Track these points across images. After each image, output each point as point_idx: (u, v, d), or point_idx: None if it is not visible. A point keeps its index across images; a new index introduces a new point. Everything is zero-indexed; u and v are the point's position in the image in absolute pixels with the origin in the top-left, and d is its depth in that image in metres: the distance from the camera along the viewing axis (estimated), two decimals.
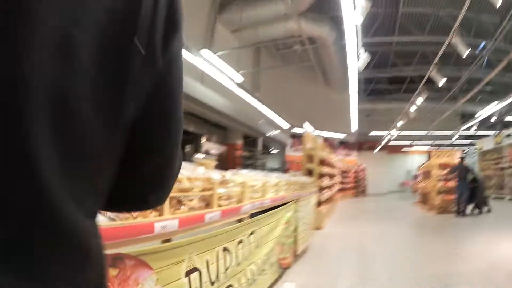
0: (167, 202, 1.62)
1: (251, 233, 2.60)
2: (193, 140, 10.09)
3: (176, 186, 1.77)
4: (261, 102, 10.35)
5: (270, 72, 13.19)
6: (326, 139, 13.04)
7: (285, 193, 3.81)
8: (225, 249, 2.18)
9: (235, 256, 2.30)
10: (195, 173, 1.98)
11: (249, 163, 10.63)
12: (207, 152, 9.81)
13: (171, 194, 1.68)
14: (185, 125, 9.12)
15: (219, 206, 2.08)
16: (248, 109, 10.32)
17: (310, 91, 15.48)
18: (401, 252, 5.11)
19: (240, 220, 2.40)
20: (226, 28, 10.06)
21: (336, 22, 10.03)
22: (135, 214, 1.52)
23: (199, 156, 2.67)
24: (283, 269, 3.50)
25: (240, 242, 2.39)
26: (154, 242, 1.65)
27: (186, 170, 1.97)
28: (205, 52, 6.90)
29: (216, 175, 2.14)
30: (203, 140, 10.40)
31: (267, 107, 10.87)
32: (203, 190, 1.92)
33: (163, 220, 1.57)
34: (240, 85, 8.67)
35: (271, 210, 3.19)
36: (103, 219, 1.52)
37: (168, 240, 1.76)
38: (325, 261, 4.60)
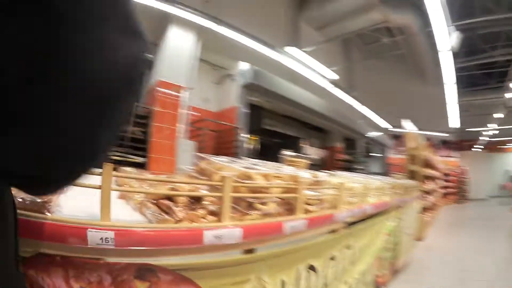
0: (226, 205, 0.95)
1: (347, 247, 1.77)
2: (293, 144, 9.30)
3: (244, 184, 1.09)
4: (358, 101, 8.99)
5: (362, 69, 11.55)
6: (428, 138, 10.84)
7: (388, 198, 2.81)
8: (310, 267, 1.42)
9: (322, 276, 1.52)
10: (277, 171, 1.28)
11: (350, 166, 9.36)
12: (306, 155, 8.96)
13: (234, 194, 1.01)
14: (284, 128, 8.45)
15: (306, 212, 1.32)
16: (345, 108, 9.08)
17: (405, 86, 13.11)
18: (503, 271, 3.88)
19: (333, 231, 1.59)
20: (309, 27, 8.99)
21: (418, 7, 8.00)
22: (177, 217, 0.89)
23: (288, 153, 1.95)
24: None
25: (332, 258, 1.59)
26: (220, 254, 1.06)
27: (264, 167, 1.28)
28: (291, 49, 6.06)
29: (306, 174, 1.39)
30: (304, 144, 9.51)
31: (365, 106, 9.41)
32: (285, 192, 1.20)
33: (219, 227, 0.90)
34: (335, 84, 7.56)
35: (366, 218, 2.28)
36: (141, 220, 0.95)
37: (250, 251, 1.15)
38: (425, 279, 3.46)
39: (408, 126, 7.82)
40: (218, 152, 5.91)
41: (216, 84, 6.51)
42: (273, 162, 1.60)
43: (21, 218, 0.81)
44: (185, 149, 4.67)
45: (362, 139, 10.53)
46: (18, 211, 0.90)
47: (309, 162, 1.97)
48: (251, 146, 7.10)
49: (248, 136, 6.45)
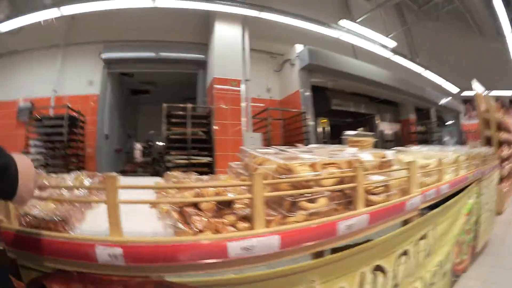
0: (259, 208, 0.64)
1: (422, 238, 1.34)
2: (366, 121, 8.32)
3: (283, 180, 0.77)
4: (422, 67, 7.65)
5: (420, 33, 9.73)
6: (497, 99, 9.00)
7: (466, 171, 2.19)
8: (377, 269, 1.05)
9: (392, 277, 1.14)
10: (331, 156, 0.92)
11: (425, 139, 8.14)
12: (381, 133, 7.95)
13: (268, 194, 0.70)
14: (354, 107, 7.62)
15: (370, 204, 0.94)
16: (411, 77, 7.85)
17: (466, 45, 10.80)
18: None
19: (405, 222, 1.18)
20: None
21: None
22: (196, 227, 0.62)
23: (350, 133, 1.53)
24: (456, 276, 2.02)
25: (404, 253, 1.19)
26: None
27: (317, 154, 0.93)
28: (344, 22, 5.20)
29: (368, 156, 1.00)
30: (377, 120, 8.45)
31: (429, 71, 7.98)
32: (340, 182, 0.84)
33: (249, 236, 0.60)
34: (396, 52, 6.46)
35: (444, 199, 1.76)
36: (159, 232, 0.72)
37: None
38: (508, 260, 2.69)
39: (476, 87, 6.40)
40: (287, 140, 5.56)
41: (277, 71, 6.09)
42: (334, 145, 1.23)
43: (37, 237, 0.75)
44: (252, 142, 4.39)
45: (433, 107, 9.08)
46: (35, 230, 0.78)
47: (376, 139, 1.53)
48: (321, 130, 6.57)
49: (317, 119, 5.95)
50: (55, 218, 0.81)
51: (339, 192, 0.93)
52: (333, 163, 0.93)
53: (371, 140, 1.50)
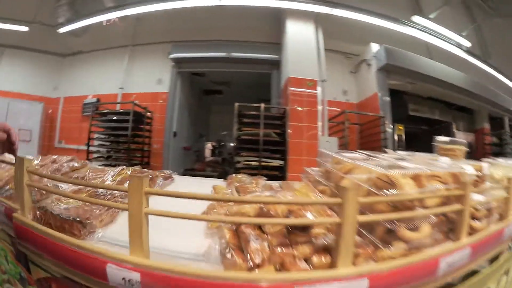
0: (348, 239, 0.37)
1: (505, 273, 1.03)
2: (442, 130, 7.63)
3: (385, 197, 0.48)
4: (495, 70, 6.81)
5: (491, 32, 8.59)
6: None
7: None
8: None
9: None
10: (431, 166, 0.62)
11: (500, 151, 7.33)
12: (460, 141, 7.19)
13: (367, 217, 0.41)
14: (429, 112, 6.92)
15: (472, 232, 0.64)
16: (486, 80, 7.00)
17: None
18: None
19: (497, 256, 0.88)
20: None
21: None
22: (253, 259, 0.36)
23: (441, 139, 1.20)
24: None
25: None
26: None
27: (413, 162, 0.64)
28: (418, 19, 4.60)
29: (470, 168, 0.69)
30: (454, 129, 7.74)
31: (502, 75, 7.11)
32: (444, 203, 0.55)
33: (325, 280, 0.34)
34: (470, 53, 5.72)
35: None
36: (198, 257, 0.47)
37: None
38: None
39: None
40: (364, 146, 5.14)
41: (353, 73, 5.63)
42: (424, 153, 0.94)
43: (45, 237, 0.62)
44: (328, 146, 4.05)
45: (507, 115, 8.15)
46: (46, 228, 0.64)
47: (465, 148, 1.20)
48: (397, 137, 6.06)
49: (394, 125, 5.49)
50: (70, 218, 0.62)
51: (443, 216, 0.65)
52: (436, 176, 0.65)
53: (464, 148, 1.17)
